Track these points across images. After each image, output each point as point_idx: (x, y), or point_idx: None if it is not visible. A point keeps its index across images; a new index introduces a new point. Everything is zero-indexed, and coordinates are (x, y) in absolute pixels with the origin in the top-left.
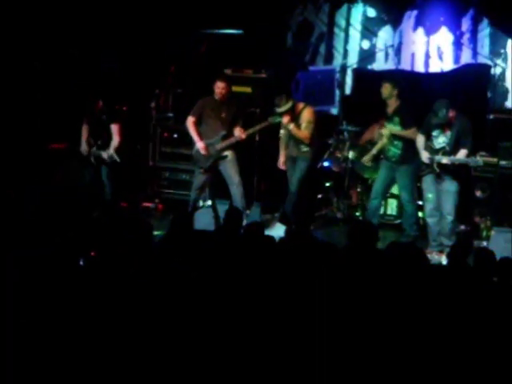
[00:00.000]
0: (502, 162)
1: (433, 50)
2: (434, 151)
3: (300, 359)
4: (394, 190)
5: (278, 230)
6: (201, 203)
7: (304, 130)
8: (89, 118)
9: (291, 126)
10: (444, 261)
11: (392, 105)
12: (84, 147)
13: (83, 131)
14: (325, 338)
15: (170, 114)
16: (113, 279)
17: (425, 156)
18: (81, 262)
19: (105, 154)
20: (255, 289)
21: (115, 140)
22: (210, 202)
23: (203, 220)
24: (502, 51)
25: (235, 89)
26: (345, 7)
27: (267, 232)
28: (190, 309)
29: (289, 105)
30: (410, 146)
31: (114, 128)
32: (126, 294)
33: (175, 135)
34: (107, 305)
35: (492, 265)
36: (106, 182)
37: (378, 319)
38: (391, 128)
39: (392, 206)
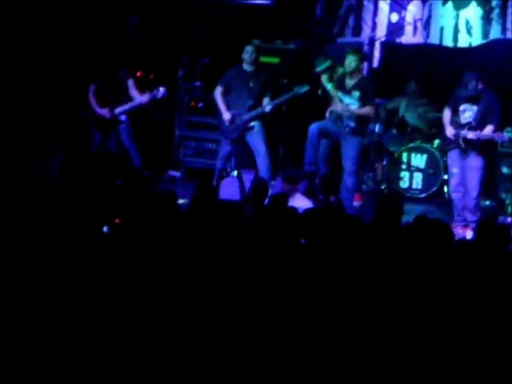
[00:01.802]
0: None
1: (462, 24)
2: (460, 126)
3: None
4: (417, 162)
5: (300, 202)
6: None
7: None
8: (103, 84)
9: (329, 86)
10: (468, 236)
11: (354, 78)
12: (104, 112)
13: (92, 98)
14: (347, 313)
15: (198, 83)
16: (136, 247)
17: (450, 131)
18: (105, 229)
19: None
20: (280, 261)
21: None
22: (235, 172)
23: (229, 190)
24: None
25: (263, 59)
26: None
27: (290, 203)
28: (215, 278)
29: (327, 63)
30: (363, 119)
31: (132, 87)
32: (148, 262)
33: (202, 104)
34: (129, 272)
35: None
36: (128, 146)
37: (401, 293)
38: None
39: (417, 180)
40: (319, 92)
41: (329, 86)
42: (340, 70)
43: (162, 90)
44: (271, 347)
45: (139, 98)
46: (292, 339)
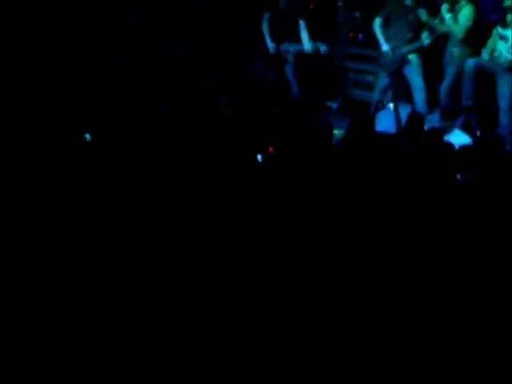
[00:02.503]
0: None
1: None
2: None
3: None
4: None
5: (457, 137)
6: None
7: None
8: (272, 16)
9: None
10: None
11: None
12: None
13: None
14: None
15: (357, 14)
16: (290, 176)
17: None
18: (259, 158)
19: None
20: (432, 196)
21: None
22: (392, 105)
23: (385, 122)
24: None
25: None
26: None
27: (447, 138)
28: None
29: None
30: None
31: (302, 23)
32: (300, 192)
33: (362, 36)
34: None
35: None
36: (291, 79)
37: None
38: None
39: None
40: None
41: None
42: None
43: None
44: None
45: (306, 43)
46: None
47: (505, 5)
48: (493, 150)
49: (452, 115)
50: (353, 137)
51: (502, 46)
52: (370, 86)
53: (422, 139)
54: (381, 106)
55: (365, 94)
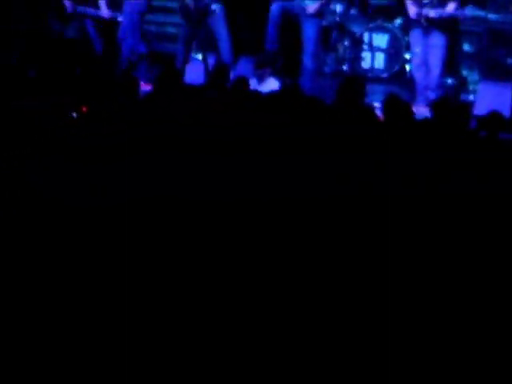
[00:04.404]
0: (491, 16)
1: None
2: (422, 5)
3: None
4: (379, 42)
5: (271, 84)
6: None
7: None
8: None
9: None
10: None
11: None
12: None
13: None
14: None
15: None
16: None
17: (412, 10)
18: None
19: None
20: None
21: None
22: (199, 55)
23: (194, 73)
24: None
25: None
26: None
27: (260, 87)
28: None
29: None
30: None
31: None
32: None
33: None
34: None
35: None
36: (93, 37)
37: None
38: None
39: (379, 60)
40: None
41: None
42: None
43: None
44: None
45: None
46: None
47: None
48: (294, 95)
49: (265, 64)
50: (160, 90)
51: None
52: (174, 38)
53: (228, 88)
54: (189, 58)
55: (169, 47)
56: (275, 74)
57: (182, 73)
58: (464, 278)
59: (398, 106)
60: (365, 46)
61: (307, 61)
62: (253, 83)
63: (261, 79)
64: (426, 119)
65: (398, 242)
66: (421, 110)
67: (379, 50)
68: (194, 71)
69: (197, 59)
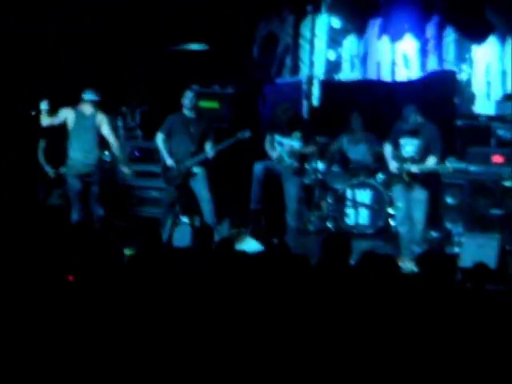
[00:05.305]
0: (472, 168)
1: (398, 57)
2: (402, 160)
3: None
4: (363, 198)
5: (249, 244)
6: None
7: None
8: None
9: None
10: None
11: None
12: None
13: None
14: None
15: (138, 132)
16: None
17: (393, 166)
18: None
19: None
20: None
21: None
22: (185, 219)
23: (182, 236)
24: (468, 56)
25: (203, 104)
26: (309, 18)
27: (238, 247)
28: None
29: None
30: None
31: None
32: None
33: (138, 153)
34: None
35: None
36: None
37: (352, 331)
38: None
39: (363, 216)
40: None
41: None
42: None
43: None
44: None
45: None
46: None
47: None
48: (281, 255)
49: (243, 223)
50: (142, 255)
51: (282, 151)
52: (157, 202)
53: (213, 251)
54: (176, 221)
55: (152, 211)
56: (255, 234)
57: (166, 236)
58: None
59: (377, 262)
60: (348, 203)
61: (290, 219)
62: None
63: (238, 239)
64: (412, 273)
65: None
66: (407, 265)
67: (363, 205)
68: (182, 234)
69: (185, 222)
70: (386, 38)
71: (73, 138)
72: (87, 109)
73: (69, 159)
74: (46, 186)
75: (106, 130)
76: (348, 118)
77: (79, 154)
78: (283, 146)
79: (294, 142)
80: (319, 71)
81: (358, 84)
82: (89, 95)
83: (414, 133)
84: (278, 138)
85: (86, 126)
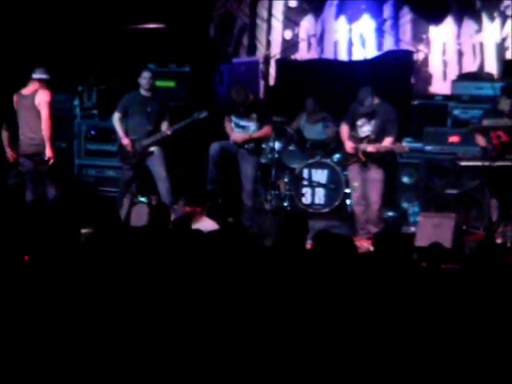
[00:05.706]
0: (428, 147)
1: (355, 37)
2: (358, 140)
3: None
4: (319, 178)
5: (206, 224)
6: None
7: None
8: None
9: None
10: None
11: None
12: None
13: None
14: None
15: (95, 111)
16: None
17: (349, 146)
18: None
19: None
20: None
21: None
22: (142, 198)
23: (140, 215)
24: (424, 36)
25: (159, 84)
26: None
27: (194, 226)
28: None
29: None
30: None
31: None
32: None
33: (95, 132)
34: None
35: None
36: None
37: (307, 312)
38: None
39: (319, 195)
40: None
41: None
42: None
43: None
44: None
45: None
46: None
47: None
48: (237, 235)
49: (198, 202)
50: (99, 235)
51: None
52: (114, 182)
53: (169, 230)
54: (133, 201)
55: (109, 190)
56: (210, 213)
57: (123, 215)
58: None
59: (330, 241)
60: (305, 182)
61: (246, 199)
62: None
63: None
64: (368, 252)
65: None
66: (363, 244)
67: (319, 185)
68: (139, 214)
69: (142, 201)
70: (343, 18)
71: (19, 118)
72: (30, 87)
73: (19, 140)
74: (5, 168)
75: (41, 108)
76: (305, 99)
77: (24, 134)
78: (241, 128)
79: (250, 123)
80: (276, 51)
81: (314, 64)
82: (38, 73)
83: (370, 115)
84: (234, 119)
85: (26, 106)
